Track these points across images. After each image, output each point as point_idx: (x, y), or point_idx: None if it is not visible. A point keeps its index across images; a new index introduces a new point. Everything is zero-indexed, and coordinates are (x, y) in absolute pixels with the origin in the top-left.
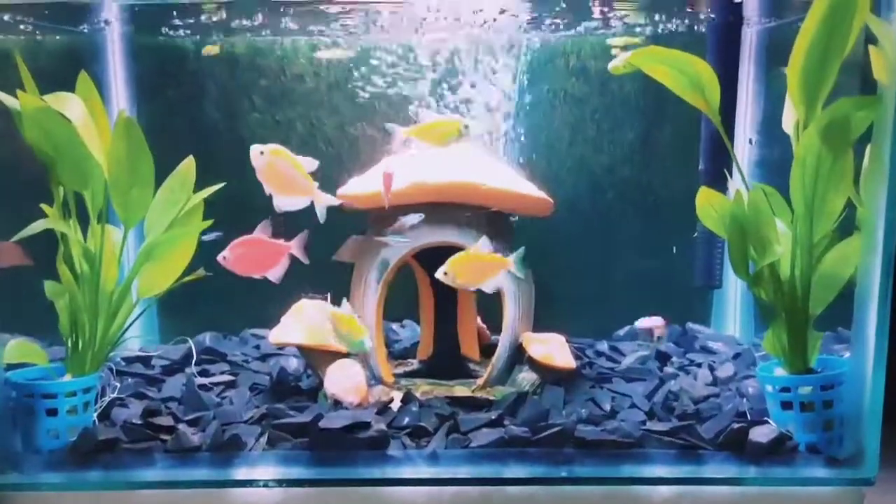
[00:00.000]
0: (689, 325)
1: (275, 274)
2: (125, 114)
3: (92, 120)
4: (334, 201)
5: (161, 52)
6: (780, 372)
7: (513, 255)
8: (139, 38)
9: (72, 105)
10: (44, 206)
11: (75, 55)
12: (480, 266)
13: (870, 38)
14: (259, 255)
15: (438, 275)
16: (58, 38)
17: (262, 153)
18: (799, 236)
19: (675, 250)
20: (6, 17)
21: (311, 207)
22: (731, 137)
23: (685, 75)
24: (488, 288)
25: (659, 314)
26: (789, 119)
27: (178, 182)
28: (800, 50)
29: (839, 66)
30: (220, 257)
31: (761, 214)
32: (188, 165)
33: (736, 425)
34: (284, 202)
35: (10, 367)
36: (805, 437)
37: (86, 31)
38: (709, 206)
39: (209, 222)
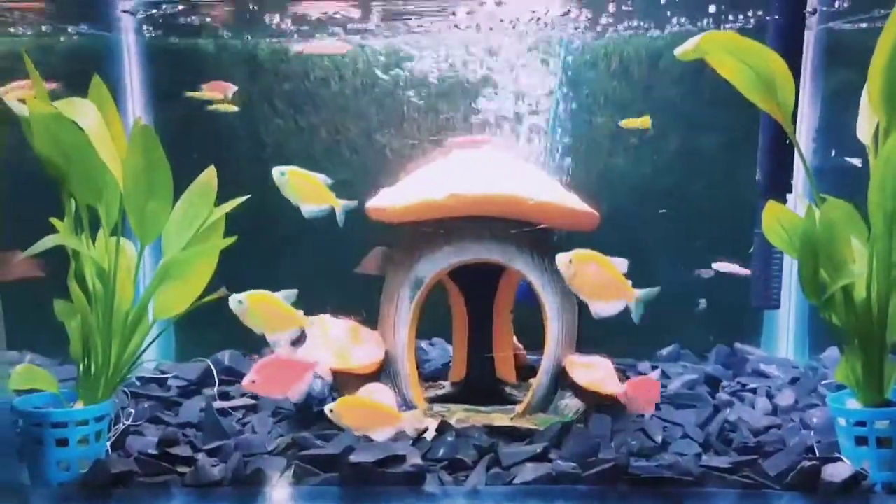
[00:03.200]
0: (738, 345)
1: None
2: (142, 122)
3: (106, 127)
4: None
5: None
6: (853, 404)
7: (408, 414)
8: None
9: (84, 111)
10: (54, 221)
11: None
12: (372, 414)
13: None
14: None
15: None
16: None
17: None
18: (877, 255)
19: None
20: None
21: None
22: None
23: (756, 73)
24: (379, 437)
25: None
26: (865, 127)
27: (199, 195)
28: (883, 51)
29: None
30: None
31: (835, 232)
32: (209, 176)
33: (806, 463)
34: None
35: (20, 392)
36: (881, 476)
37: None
38: (776, 223)
39: (232, 239)
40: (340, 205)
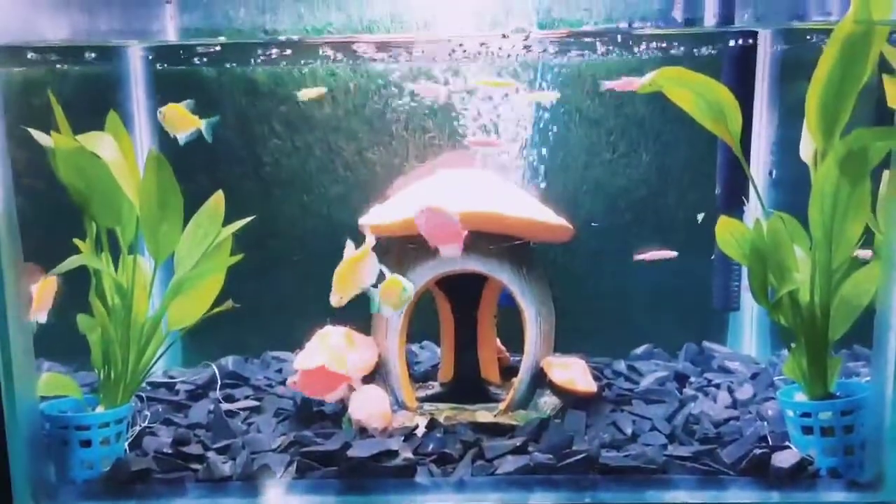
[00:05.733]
0: (706, 343)
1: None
2: (155, 151)
3: (123, 158)
4: None
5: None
6: (800, 397)
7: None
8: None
9: (104, 144)
10: (77, 242)
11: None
12: None
13: (884, 67)
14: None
15: None
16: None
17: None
18: (818, 263)
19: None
20: None
21: None
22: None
23: (707, 102)
24: None
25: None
26: (807, 149)
27: (208, 217)
28: (818, 81)
29: (856, 96)
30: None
31: (780, 243)
32: (217, 200)
33: (758, 451)
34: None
35: (43, 398)
36: (826, 462)
37: None
38: (728, 235)
39: (239, 257)
40: (202, 124)
